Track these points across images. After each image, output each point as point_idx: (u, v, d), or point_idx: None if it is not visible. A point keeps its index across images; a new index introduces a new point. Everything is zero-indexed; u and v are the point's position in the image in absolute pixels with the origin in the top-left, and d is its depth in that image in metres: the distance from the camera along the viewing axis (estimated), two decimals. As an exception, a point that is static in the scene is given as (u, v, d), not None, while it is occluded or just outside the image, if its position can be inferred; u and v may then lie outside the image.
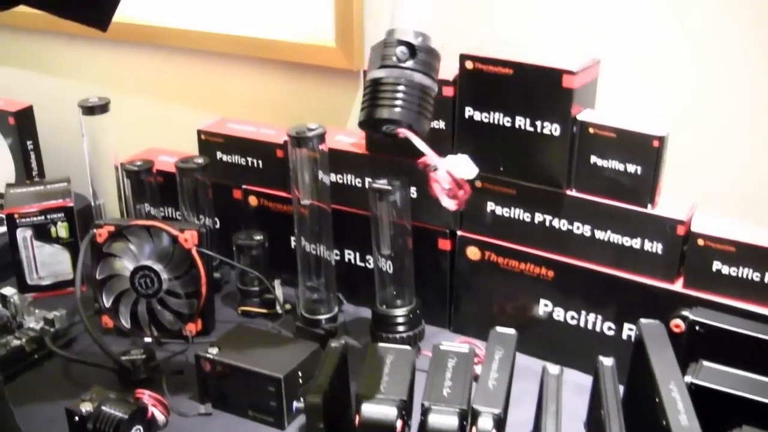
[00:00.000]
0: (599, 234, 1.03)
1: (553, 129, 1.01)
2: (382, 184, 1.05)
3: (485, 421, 0.82)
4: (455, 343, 0.96)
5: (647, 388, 0.84)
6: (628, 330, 1.04)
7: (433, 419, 0.84)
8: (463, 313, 1.16)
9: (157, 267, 1.13)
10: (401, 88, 0.85)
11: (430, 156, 0.87)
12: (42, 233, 1.26)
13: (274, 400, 0.97)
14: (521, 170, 1.05)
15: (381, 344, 0.97)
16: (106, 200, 1.28)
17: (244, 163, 1.27)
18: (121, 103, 1.30)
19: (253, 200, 1.27)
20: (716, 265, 0.96)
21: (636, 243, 1.01)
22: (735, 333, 0.90)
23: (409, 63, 0.86)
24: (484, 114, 1.04)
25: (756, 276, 0.94)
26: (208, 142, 1.29)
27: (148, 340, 1.14)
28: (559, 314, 1.08)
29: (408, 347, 0.97)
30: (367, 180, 1.15)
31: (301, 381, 1.00)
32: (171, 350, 1.12)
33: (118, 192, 1.29)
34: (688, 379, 0.85)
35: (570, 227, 1.04)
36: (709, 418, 0.78)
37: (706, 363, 0.89)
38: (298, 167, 1.08)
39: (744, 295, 0.95)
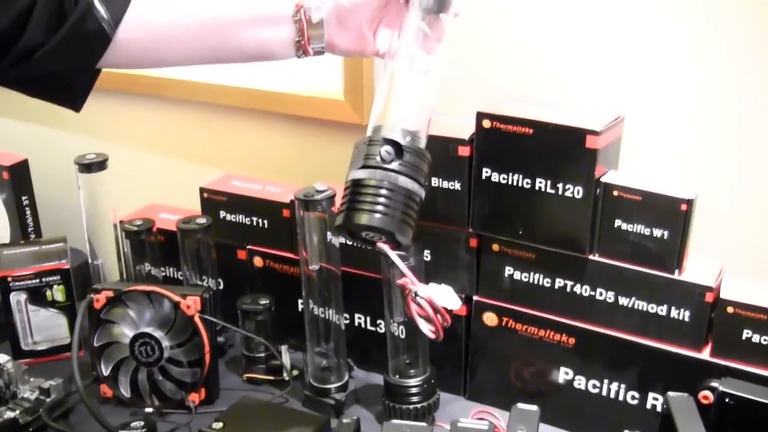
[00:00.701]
0: (623, 300, 0.99)
1: (575, 191, 0.97)
2: (394, 247, 1.01)
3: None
4: (474, 420, 0.90)
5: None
6: (653, 399, 0.99)
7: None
8: (478, 380, 1.12)
9: (158, 334, 1.08)
10: (383, 192, 0.76)
11: (411, 279, 0.84)
12: (37, 297, 1.21)
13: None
14: (541, 234, 1.01)
15: (395, 421, 0.92)
16: (104, 259, 1.24)
17: (248, 223, 1.22)
18: (120, 157, 1.26)
19: (258, 261, 1.23)
20: (746, 333, 0.92)
21: (662, 310, 0.97)
22: (766, 405, 0.86)
23: (394, 164, 0.77)
24: (503, 175, 1.00)
25: (789, 345, 0.90)
26: (211, 201, 1.24)
27: (149, 410, 1.10)
28: (580, 382, 1.04)
29: (424, 424, 0.92)
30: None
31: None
32: (173, 421, 1.08)
33: (117, 251, 1.25)
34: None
35: (593, 293, 1.00)
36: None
37: (736, 437, 0.85)
38: (306, 230, 1.04)
39: (776, 366, 0.91)
